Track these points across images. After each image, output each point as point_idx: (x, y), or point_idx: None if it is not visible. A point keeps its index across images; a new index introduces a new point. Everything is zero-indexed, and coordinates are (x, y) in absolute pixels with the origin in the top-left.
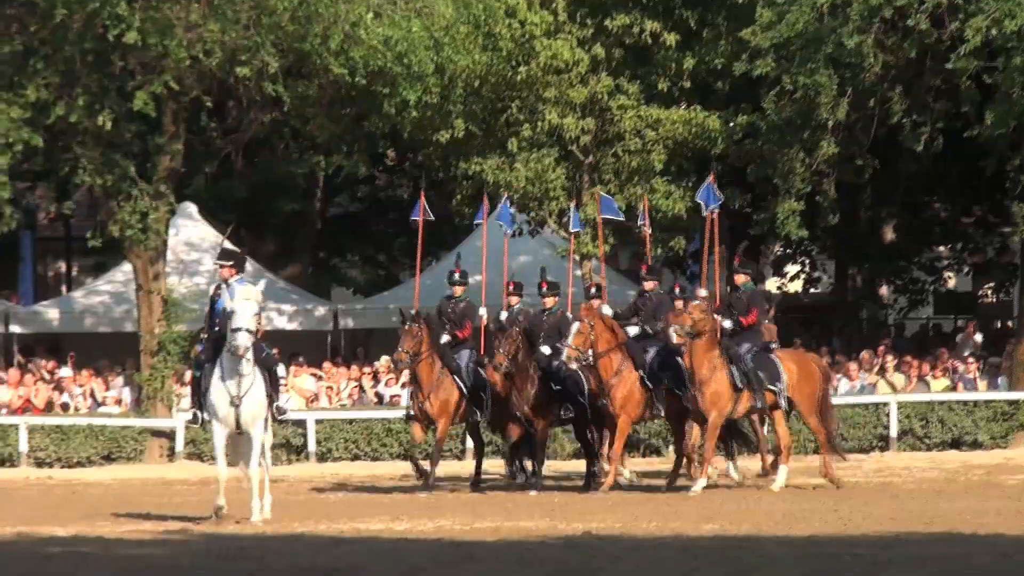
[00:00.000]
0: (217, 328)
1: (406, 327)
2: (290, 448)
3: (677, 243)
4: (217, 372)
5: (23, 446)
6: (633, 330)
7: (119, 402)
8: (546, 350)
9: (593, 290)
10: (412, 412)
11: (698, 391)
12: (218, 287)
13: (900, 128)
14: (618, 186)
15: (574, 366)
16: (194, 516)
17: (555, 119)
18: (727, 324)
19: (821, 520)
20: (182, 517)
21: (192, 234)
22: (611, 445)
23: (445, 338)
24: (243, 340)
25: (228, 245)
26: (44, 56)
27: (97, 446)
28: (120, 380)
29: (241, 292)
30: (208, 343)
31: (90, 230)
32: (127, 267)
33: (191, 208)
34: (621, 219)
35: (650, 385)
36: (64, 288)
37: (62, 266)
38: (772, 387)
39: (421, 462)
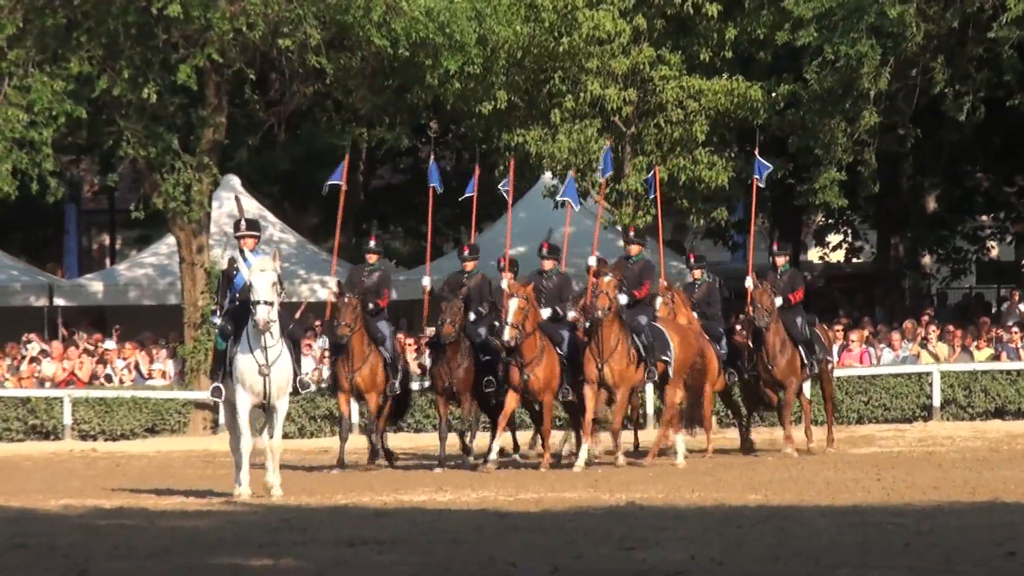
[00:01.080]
0: (239, 302)
1: (345, 299)
2: (334, 419)
3: (719, 213)
4: (244, 343)
5: (67, 419)
6: (546, 312)
7: (163, 375)
8: (470, 316)
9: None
10: (338, 384)
11: (605, 364)
12: (233, 260)
13: (942, 97)
14: (660, 157)
15: (513, 344)
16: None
17: (597, 90)
18: (623, 299)
19: (864, 490)
20: (225, 490)
21: (235, 206)
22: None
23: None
24: (263, 314)
25: (269, 214)
26: (88, 29)
27: (141, 419)
28: (164, 353)
29: (257, 263)
30: (230, 315)
31: (134, 203)
32: (171, 240)
33: (234, 180)
34: (575, 204)
35: (566, 363)
36: (108, 261)
37: (106, 239)
38: (664, 357)
39: (372, 438)
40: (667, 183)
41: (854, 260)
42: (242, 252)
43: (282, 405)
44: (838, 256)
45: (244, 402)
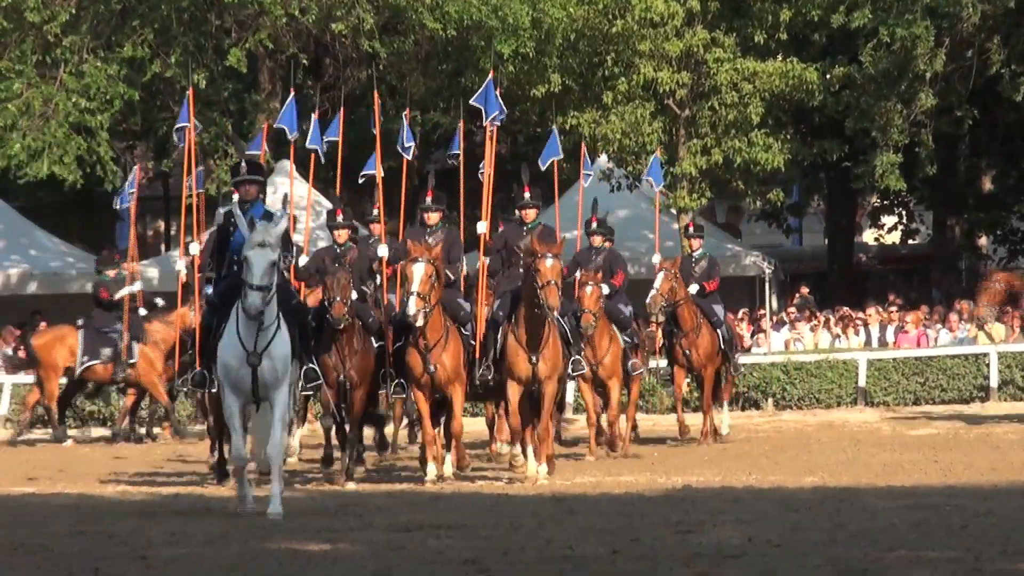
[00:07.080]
0: (236, 267)
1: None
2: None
3: (775, 195)
4: (231, 322)
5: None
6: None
7: None
8: (353, 295)
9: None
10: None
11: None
12: (229, 214)
13: (998, 78)
14: (715, 139)
15: (420, 322)
16: (300, 471)
17: (650, 73)
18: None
19: (921, 471)
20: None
21: (289, 192)
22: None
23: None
24: (255, 301)
25: (323, 199)
26: (141, 15)
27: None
28: None
29: (257, 234)
30: (223, 285)
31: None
32: None
33: (288, 166)
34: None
35: (473, 344)
36: (163, 247)
37: (161, 225)
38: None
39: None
40: (722, 165)
41: (910, 242)
42: (242, 204)
43: (279, 400)
44: (893, 238)
45: (231, 405)
